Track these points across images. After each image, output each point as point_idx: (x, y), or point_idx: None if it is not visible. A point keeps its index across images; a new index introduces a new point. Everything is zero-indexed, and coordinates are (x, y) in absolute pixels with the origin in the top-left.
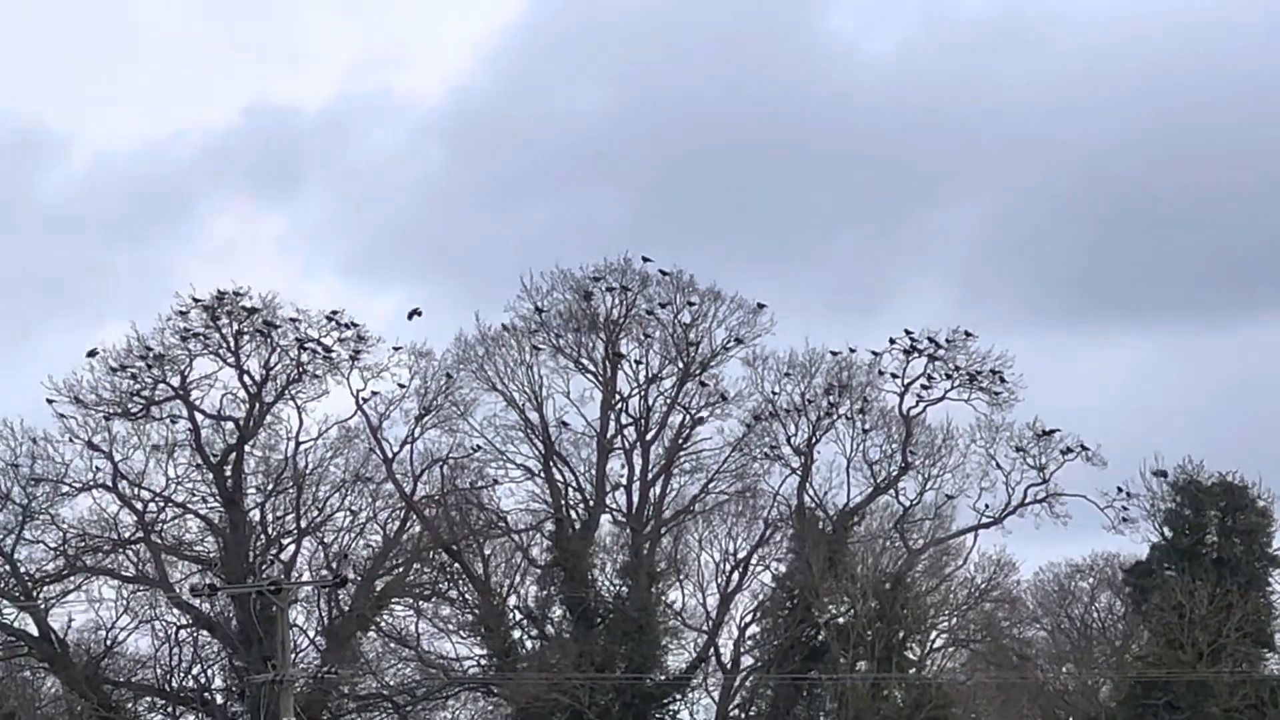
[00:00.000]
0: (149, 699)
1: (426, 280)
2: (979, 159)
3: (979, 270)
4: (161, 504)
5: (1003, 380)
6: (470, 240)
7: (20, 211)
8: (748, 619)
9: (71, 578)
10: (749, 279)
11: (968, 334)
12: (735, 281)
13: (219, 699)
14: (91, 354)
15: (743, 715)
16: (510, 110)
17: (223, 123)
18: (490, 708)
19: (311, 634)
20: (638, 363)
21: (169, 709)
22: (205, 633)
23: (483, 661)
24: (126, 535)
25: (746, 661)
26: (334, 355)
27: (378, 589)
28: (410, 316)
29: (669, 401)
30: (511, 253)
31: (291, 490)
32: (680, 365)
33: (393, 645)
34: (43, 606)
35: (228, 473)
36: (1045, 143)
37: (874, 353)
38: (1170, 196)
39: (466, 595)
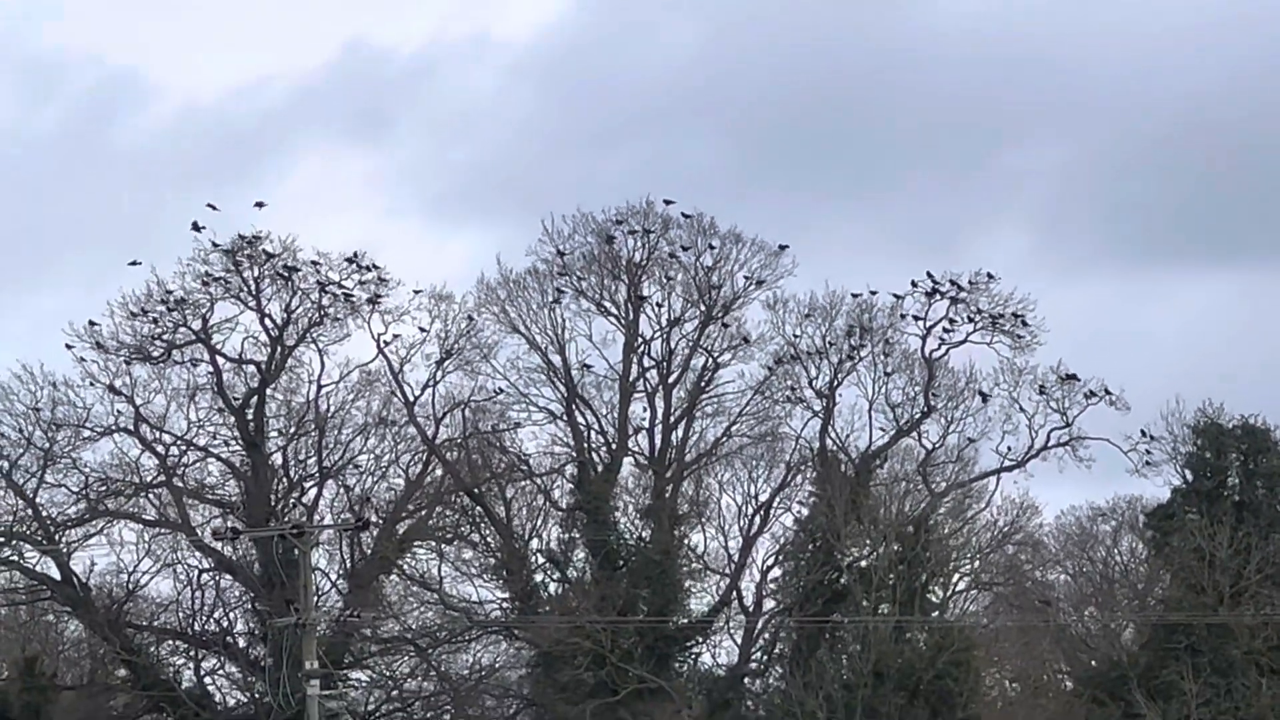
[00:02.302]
0: (171, 642)
1: (511, 221)
2: (1063, 102)
3: (1057, 214)
4: (183, 448)
5: (1025, 324)
6: (559, 182)
7: (103, 156)
8: (770, 562)
9: (93, 521)
10: (832, 218)
11: (990, 276)
12: (819, 221)
13: (241, 642)
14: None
15: (765, 658)
16: (603, 52)
17: (316, 67)
18: (513, 651)
19: (334, 577)
20: (659, 306)
21: (191, 652)
22: (227, 576)
23: (505, 605)
24: (148, 479)
25: (769, 604)
26: (355, 299)
27: (400, 532)
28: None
29: (691, 344)
30: (600, 194)
31: (313, 433)
32: (702, 308)
33: (415, 588)
34: (65, 550)
35: (249, 416)
36: (1130, 86)
37: (896, 295)
38: (1258, 144)
39: (488, 538)
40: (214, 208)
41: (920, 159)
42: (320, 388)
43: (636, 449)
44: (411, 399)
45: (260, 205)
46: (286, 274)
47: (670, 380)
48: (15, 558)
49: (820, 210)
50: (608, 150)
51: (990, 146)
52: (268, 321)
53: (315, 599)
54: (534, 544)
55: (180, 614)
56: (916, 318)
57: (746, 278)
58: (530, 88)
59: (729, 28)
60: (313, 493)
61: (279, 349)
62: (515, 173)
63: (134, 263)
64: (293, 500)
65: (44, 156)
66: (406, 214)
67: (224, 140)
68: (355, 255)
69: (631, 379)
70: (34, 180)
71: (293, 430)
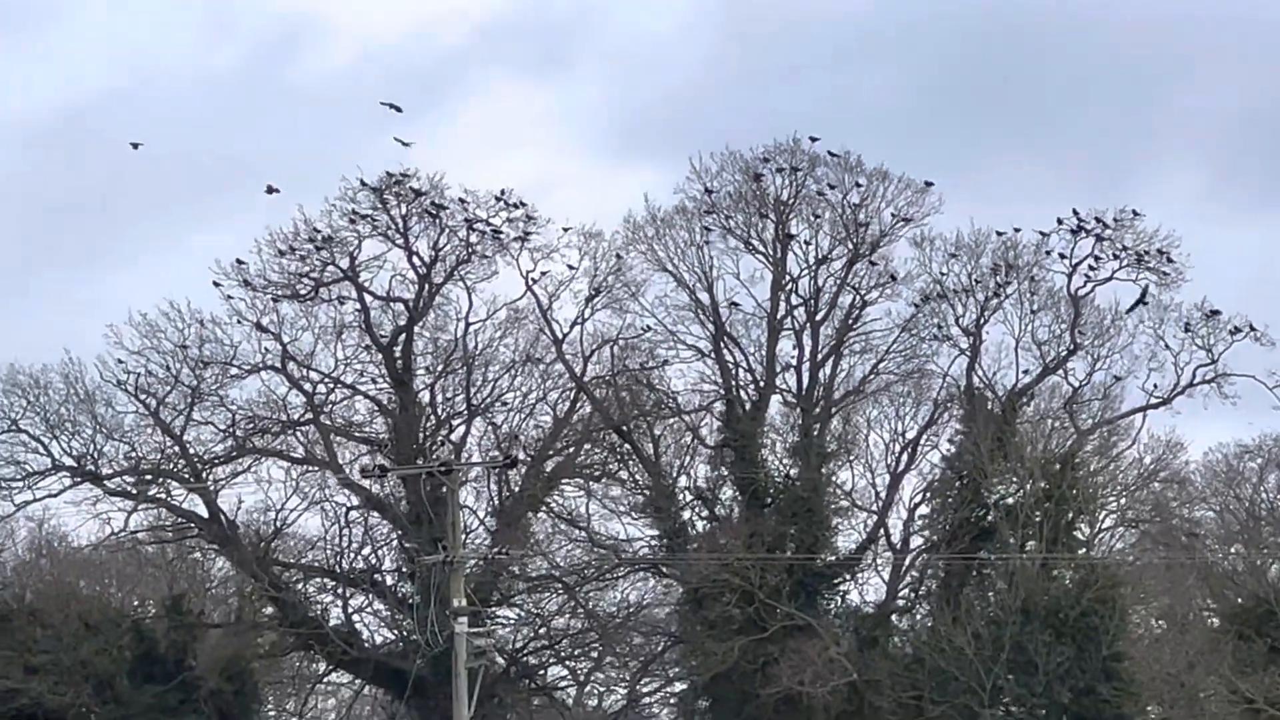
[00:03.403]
0: (319, 580)
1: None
2: (1240, 37)
3: (1230, 152)
4: (330, 385)
5: (1170, 260)
6: (736, 121)
7: (280, 95)
8: (917, 499)
9: (241, 459)
10: (1006, 156)
11: (1135, 213)
12: (991, 159)
13: (389, 580)
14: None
15: (912, 595)
16: None
17: (496, 6)
18: (660, 588)
19: (481, 515)
20: (807, 243)
21: (339, 590)
22: (375, 514)
23: (653, 542)
24: (296, 417)
25: (916, 542)
26: (503, 236)
27: (548, 470)
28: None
29: (838, 282)
30: (774, 134)
31: (461, 371)
32: (849, 246)
33: (563, 526)
34: (212, 488)
35: (397, 354)
36: None
37: (1041, 233)
38: None
39: (636, 476)
40: (404, 142)
41: (1095, 96)
42: (468, 325)
43: (784, 386)
44: (560, 336)
45: (405, 144)
46: (434, 211)
47: (818, 318)
48: (163, 495)
49: (993, 148)
50: (784, 90)
51: (1166, 83)
52: (415, 259)
53: (463, 536)
54: (682, 481)
55: (328, 551)
56: (1062, 255)
57: (894, 215)
58: (709, 27)
59: None
60: (460, 430)
61: (426, 286)
62: (691, 111)
63: (271, 190)
64: (440, 438)
65: (221, 95)
66: (581, 152)
67: (402, 79)
68: (503, 192)
69: (779, 316)
70: (210, 119)
71: (440, 368)
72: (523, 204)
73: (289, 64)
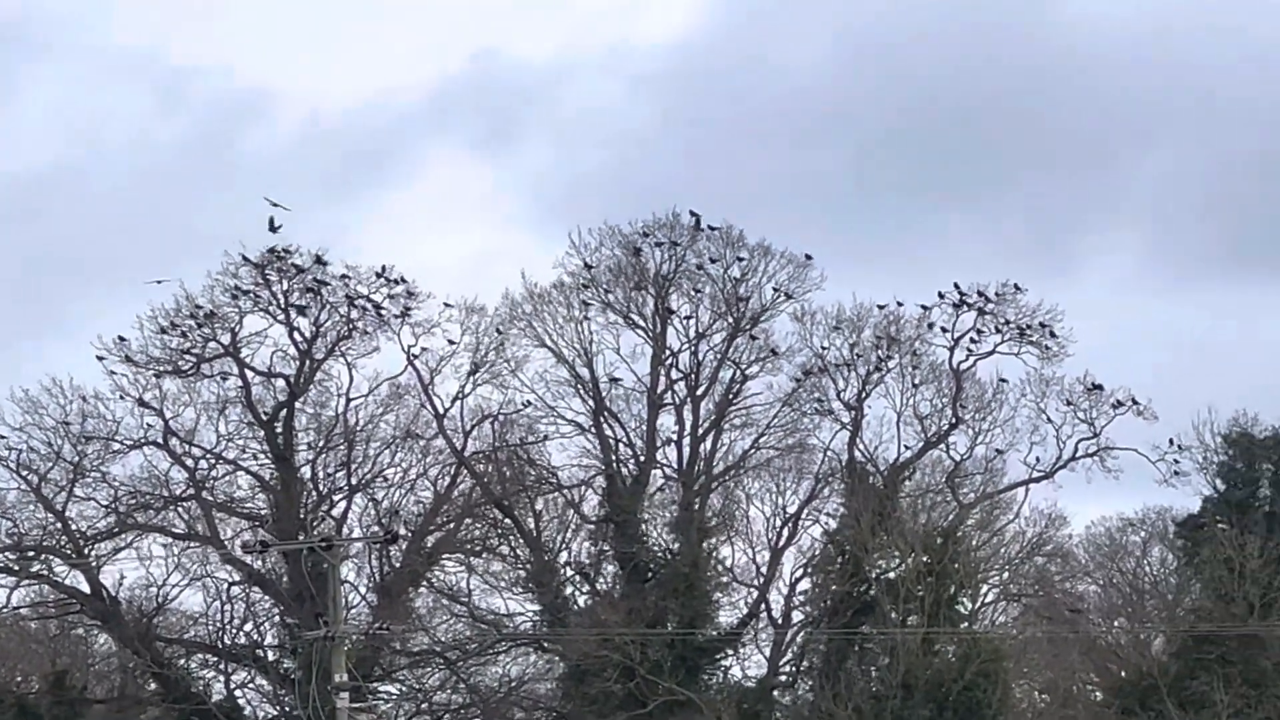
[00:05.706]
0: (201, 656)
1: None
2: (1179, 109)
3: (1165, 224)
4: (212, 461)
5: (1053, 334)
6: (677, 193)
7: (225, 170)
8: (798, 574)
9: (123, 535)
10: (949, 225)
11: (1017, 287)
12: (936, 228)
13: (271, 655)
14: None
15: (794, 670)
16: (729, 63)
17: (443, 79)
18: (542, 663)
19: (363, 590)
20: (687, 318)
21: (221, 665)
22: (257, 590)
23: (534, 617)
24: (178, 492)
25: (797, 617)
26: (384, 312)
27: (429, 545)
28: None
29: (719, 356)
30: (719, 208)
31: (342, 447)
32: (730, 320)
33: (444, 601)
34: (94, 564)
35: (278, 430)
36: (1250, 93)
37: (923, 306)
38: None
39: (518, 551)
40: (272, 202)
41: (1036, 164)
42: (349, 401)
43: (665, 461)
44: (441, 411)
45: (278, 206)
46: (315, 288)
47: (698, 392)
48: (45, 571)
49: (936, 217)
50: (727, 162)
51: (1108, 152)
52: (296, 335)
53: (344, 612)
54: (563, 557)
55: (210, 627)
56: (944, 329)
57: (775, 289)
58: (654, 100)
59: (856, 43)
60: (342, 506)
61: (308, 362)
62: (636, 184)
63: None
64: (321, 513)
65: (168, 167)
66: (525, 224)
67: (349, 152)
68: (384, 269)
69: (659, 391)
70: (155, 190)
71: (322, 444)
72: (403, 280)
73: (238, 136)
